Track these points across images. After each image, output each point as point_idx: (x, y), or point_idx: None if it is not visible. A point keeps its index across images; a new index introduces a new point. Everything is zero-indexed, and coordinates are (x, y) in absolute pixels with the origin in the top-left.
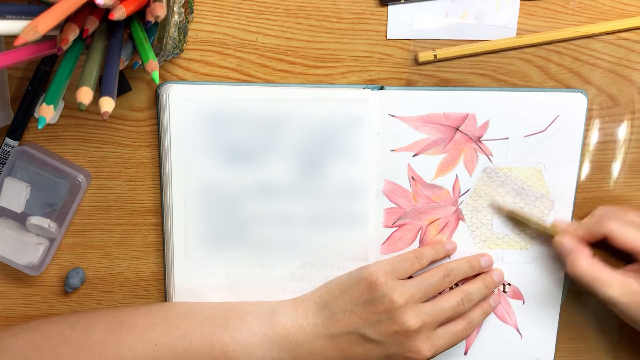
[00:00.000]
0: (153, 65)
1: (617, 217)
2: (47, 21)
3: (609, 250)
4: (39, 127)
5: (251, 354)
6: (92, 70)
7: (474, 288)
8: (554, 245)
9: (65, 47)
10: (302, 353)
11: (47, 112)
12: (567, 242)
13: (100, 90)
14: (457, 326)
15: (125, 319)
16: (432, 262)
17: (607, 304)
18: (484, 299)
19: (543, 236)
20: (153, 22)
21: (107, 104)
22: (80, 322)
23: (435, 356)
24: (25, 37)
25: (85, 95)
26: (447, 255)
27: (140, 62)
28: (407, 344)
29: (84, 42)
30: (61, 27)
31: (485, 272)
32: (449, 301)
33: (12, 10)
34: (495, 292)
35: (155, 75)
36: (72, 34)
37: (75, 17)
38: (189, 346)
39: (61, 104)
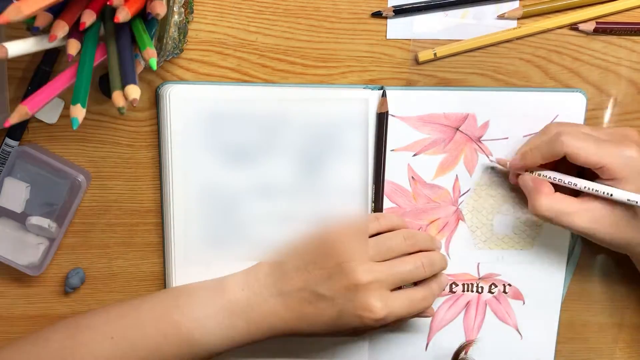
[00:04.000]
0: (150, 53)
1: (572, 133)
2: (31, 4)
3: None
4: (73, 127)
5: (204, 326)
6: (116, 73)
7: (435, 256)
8: (520, 184)
9: (75, 53)
10: (255, 317)
11: (78, 113)
12: (528, 182)
13: (123, 80)
14: (416, 293)
15: (81, 322)
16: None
17: (579, 233)
18: (441, 273)
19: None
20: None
21: (134, 92)
22: (40, 337)
23: (391, 320)
24: (7, 16)
25: (120, 99)
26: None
27: (139, 53)
28: (358, 301)
29: (95, 42)
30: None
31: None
32: (407, 263)
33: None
34: (495, 292)
35: (153, 62)
36: (75, 49)
37: (71, 11)
38: (143, 333)
39: (61, 104)
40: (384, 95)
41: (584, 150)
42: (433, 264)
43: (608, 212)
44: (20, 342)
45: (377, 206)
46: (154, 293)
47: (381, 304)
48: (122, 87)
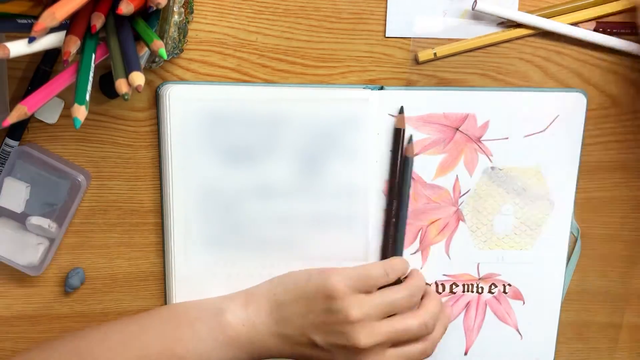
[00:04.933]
0: (158, 44)
1: None
2: (64, 9)
3: None
4: (76, 127)
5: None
6: (119, 63)
7: (436, 308)
8: None
9: (70, 59)
10: (257, 350)
11: (79, 113)
12: None
13: (127, 68)
14: (414, 348)
15: (82, 349)
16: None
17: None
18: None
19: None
20: (154, 8)
21: (139, 78)
22: (40, 358)
23: None
24: (44, 23)
25: (124, 86)
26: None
27: (148, 47)
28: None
29: (95, 41)
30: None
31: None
32: (410, 324)
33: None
34: (495, 292)
35: (162, 52)
36: (74, 46)
37: (78, 22)
38: None
39: (61, 104)
40: (401, 112)
41: None
42: (436, 320)
43: None
44: None
45: (398, 222)
46: (152, 317)
47: None
48: (126, 76)
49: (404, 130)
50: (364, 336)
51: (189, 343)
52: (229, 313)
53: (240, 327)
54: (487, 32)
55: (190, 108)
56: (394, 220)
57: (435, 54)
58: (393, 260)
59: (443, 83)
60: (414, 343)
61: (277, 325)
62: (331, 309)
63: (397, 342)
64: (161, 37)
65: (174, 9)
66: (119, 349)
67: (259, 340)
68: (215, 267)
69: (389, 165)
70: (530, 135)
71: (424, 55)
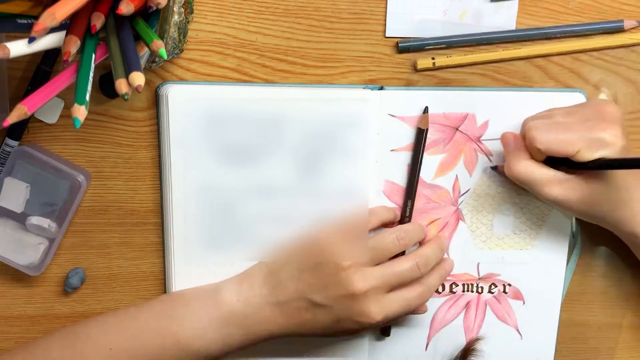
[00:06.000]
0: (158, 44)
1: (540, 127)
2: (64, 9)
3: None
4: (76, 127)
5: (202, 337)
6: (119, 63)
7: (429, 251)
8: (502, 141)
9: (70, 59)
10: (252, 325)
11: (79, 113)
12: (510, 141)
13: (127, 68)
14: (412, 292)
15: (79, 331)
16: (386, 225)
17: (549, 203)
18: (440, 262)
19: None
20: (154, 8)
21: (139, 78)
22: (38, 346)
23: (387, 321)
24: (44, 23)
25: (124, 86)
26: (397, 219)
27: (148, 47)
28: (355, 308)
29: (95, 41)
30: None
31: (437, 236)
32: (402, 265)
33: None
34: (495, 292)
35: (162, 52)
36: (74, 46)
37: (78, 22)
38: (142, 344)
39: (61, 104)
40: (426, 111)
41: (555, 142)
42: (427, 263)
43: (581, 185)
44: (19, 351)
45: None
46: (150, 301)
47: (378, 309)
48: (126, 76)
49: (426, 130)
50: (358, 280)
51: (184, 320)
52: (224, 290)
53: (234, 302)
54: (486, 32)
55: (190, 108)
56: (407, 218)
57: (434, 63)
58: (373, 207)
59: (443, 83)
60: (410, 287)
61: (271, 294)
62: (322, 262)
63: (394, 286)
64: (161, 37)
65: (174, 9)
66: (115, 329)
67: (254, 313)
68: (215, 267)
69: (410, 164)
70: None
71: (422, 63)
